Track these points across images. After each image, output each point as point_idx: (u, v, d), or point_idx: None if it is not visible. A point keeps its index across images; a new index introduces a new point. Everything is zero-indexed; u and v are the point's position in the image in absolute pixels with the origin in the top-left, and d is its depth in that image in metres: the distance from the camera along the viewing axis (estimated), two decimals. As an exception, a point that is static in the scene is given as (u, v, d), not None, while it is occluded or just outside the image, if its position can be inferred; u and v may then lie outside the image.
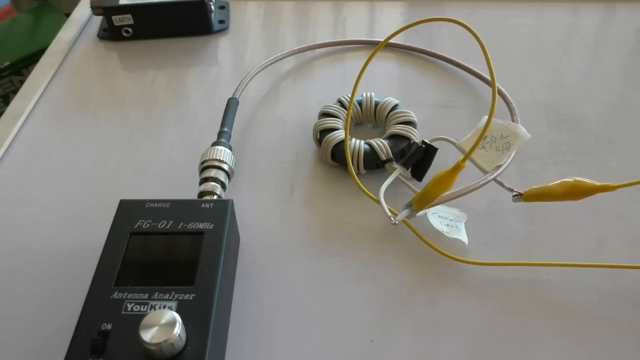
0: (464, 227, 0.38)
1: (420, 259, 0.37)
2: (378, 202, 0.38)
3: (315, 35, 0.58)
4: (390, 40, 0.55)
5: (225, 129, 0.43)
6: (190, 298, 0.29)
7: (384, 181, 0.39)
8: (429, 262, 0.37)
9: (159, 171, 0.44)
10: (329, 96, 0.48)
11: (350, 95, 0.45)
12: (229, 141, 0.42)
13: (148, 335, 0.26)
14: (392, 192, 0.38)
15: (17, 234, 0.40)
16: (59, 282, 0.36)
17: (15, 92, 0.84)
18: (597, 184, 0.35)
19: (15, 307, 0.35)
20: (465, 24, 0.33)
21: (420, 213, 0.37)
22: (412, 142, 0.42)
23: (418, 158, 0.39)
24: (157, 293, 0.30)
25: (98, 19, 0.61)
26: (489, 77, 0.43)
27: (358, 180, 0.40)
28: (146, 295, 0.30)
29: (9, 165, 0.45)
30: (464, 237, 0.37)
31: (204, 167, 0.39)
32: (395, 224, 0.36)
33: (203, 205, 0.34)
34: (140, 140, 0.47)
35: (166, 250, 0.33)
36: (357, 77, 0.38)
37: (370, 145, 0.41)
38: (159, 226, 0.33)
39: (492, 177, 0.38)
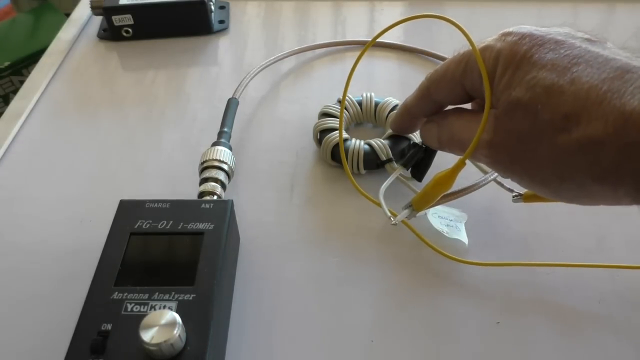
0: (464, 227, 0.38)
1: (420, 259, 0.37)
2: (377, 203, 0.38)
3: (315, 35, 0.58)
4: (390, 41, 0.56)
5: (225, 129, 0.43)
6: (190, 298, 0.29)
7: (384, 181, 0.39)
8: (429, 262, 0.37)
9: (159, 171, 0.44)
10: (329, 96, 0.48)
11: (350, 97, 0.46)
12: (229, 141, 0.42)
13: (148, 336, 0.26)
14: (392, 193, 0.38)
15: (17, 234, 0.40)
16: (59, 282, 0.36)
17: (15, 92, 0.84)
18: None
19: (15, 307, 0.35)
20: (453, 20, 0.33)
21: (420, 213, 0.36)
22: (412, 142, 0.41)
23: (418, 158, 0.39)
24: (157, 293, 0.30)
25: (98, 19, 0.61)
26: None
27: (355, 182, 0.39)
28: (146, 296, 0.30)
29: (9, 165, 0.45)
30: (464, 237, 0.37)
31: (204, 167, 0.39)
32: (395, 224, 0.36)
33: (203, 205, 0.34)
34: (140, 140, 0.47)
35: (166, 250, 0.33)
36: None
37: (370, 145, 0.41)
38: (159, 226, 0.33)
39: (492, 177, 0.38)
